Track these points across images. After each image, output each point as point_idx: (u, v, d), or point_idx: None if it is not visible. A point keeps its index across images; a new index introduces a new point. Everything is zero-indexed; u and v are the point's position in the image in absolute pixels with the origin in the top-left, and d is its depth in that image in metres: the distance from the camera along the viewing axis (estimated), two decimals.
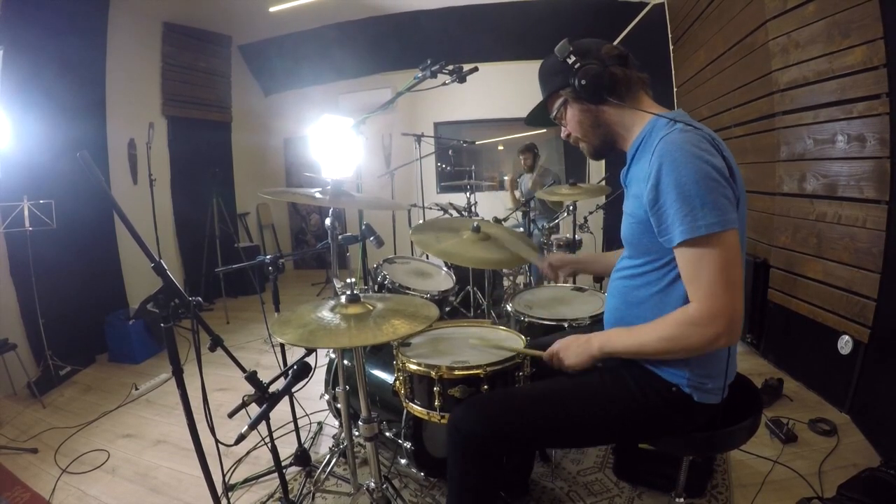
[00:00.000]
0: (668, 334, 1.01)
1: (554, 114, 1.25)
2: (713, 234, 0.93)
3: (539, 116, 1.31)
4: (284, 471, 1.78)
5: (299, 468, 2.04)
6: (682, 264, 1.00)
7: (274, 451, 1.71)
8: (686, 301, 1.02)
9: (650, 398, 1.14)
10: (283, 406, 1.44)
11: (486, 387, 1.30)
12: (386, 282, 2.24)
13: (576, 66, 1.11)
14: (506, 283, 4.03)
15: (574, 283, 2.15)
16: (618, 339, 1.13)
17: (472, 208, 3.82)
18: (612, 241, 4.59)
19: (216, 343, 1.32)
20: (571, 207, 3.34)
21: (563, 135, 1.27)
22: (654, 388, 1.13)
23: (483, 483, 1.20)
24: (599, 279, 2.60)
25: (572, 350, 1.18)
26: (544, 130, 5.40)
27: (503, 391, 1.30)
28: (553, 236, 3.74)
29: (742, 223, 1.04)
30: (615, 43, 1.19)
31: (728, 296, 0.94)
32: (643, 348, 1.07)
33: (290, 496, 1.84)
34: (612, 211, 4.01)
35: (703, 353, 1.03)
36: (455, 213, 3.71)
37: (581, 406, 1.17)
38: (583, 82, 1.10)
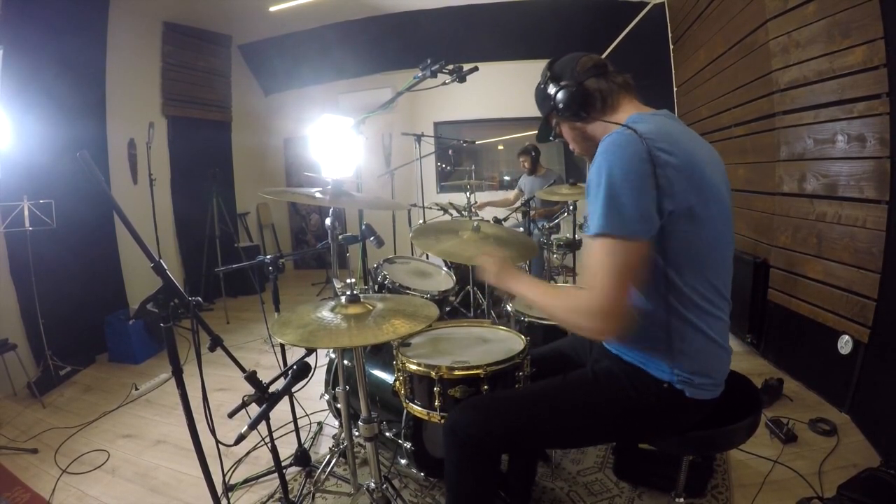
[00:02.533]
0: (562, 306, 1.09)
1: (554, 131, 1.34)
2: (607, 237, 0.98)
3: (545, 132, 1.38)
4: (284, 471, 1.78)
5: (299, 468, 2.04)
6: (588, 256, 1.07)
7: (274, 451, 1.71)
8: (651, 291, 1.07)
9: (643, 395, 1.15)
10: (283, 406, 1.44)
11: (486, 387, 1.30)
12: (386, 282, 2.24)
13: (553, 92, 1.20)
14: None
15: (574, 283, 2.15)
16: (530, 288, 1.19)
17: (472, 208, 3.82)
18: None
19: (216, 343, 1.32)
20: (572, 207, 3.34)
21: (571, 147, 1.36)
22: (647, 385, 1.14)
23: (480, 485, 1.21)
24: None
25: (495, 269, 1.27)
26: None
27: (499, 393, 1.32)
28: (553, 236, 3.74)
29: (721, 218, 1.07)
30: (615, 43, 1.21)
31: (608, 296, 0.99)
32: (542, 305, 1.16)
33: (290, 496, 1.83)
34: None
35: (586, 336, 1.16)
36: (455, 213, 3.71)
37: (575, 406, 1.18)
38: (560, 106, 1.19)
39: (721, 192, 1.09)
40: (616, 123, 1.13)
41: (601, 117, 1.18)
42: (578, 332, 1.12)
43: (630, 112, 1.16)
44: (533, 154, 4.49)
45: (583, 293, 1.04)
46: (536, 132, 1.43)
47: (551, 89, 1.20)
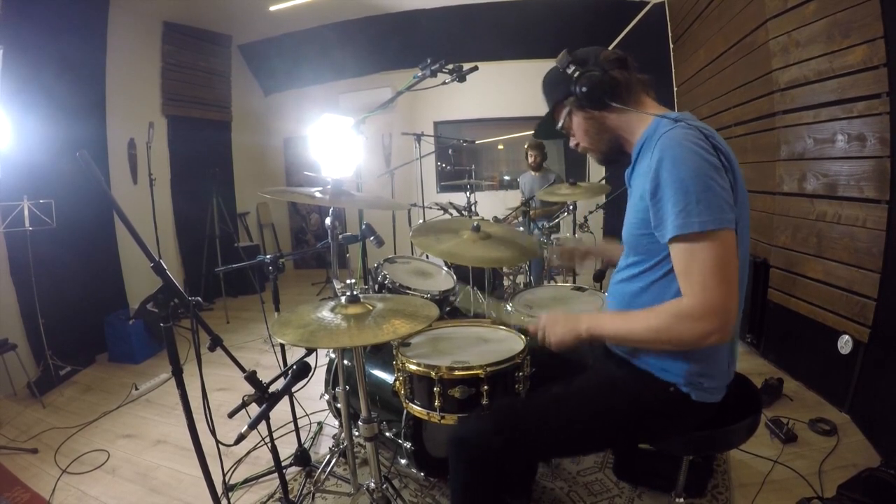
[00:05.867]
0: (657, 325, 1.00)
1: (560, 124, 1.26)
2: (707, 232, 0.93)
3: (547, 129, 1.32)
4: (284, 471, 1.78)
5: (299, 468, 2.04)
6: (675, 259, 1.00)
7: (274, 451, 1.71)
8: (671, 291, 1.03)
9: (648, 399, 1.14)
10: (283, 406, 1.44)
11: (486, 387, 1.30)
12: (386, 281, 2.23)
13: (576, 75, 1.12)
14: (506, 282, 4.03)
15: (574, 282, 2.15)
16: (608, 323, 1.12)
17: (472, 208, 3.82)
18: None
19: (216, 343, 1.32)
20: (572, 207, 3.34)
21: (571, 144, 1.29)
22: (652, 388, 1.13)
23: (485, 497, 1.20)
24: (599, 279, 2.60)
25: (560, 326, 1.16)
26: None
27: (503, 406, 1.30)
28: (553, 236, 3.74)
29: (743, 221, 1.04)
30: (615, 42, 1.20)
31: (721, 292, 0.93)
32: (631, 335, 1.07)
33: (290, 496, 1.83)
34: (612, 211, 4.01)
35: (691, 347, 1.02)
36: (455, 213, 3.71)
37: (579, 415, 1.17)
38: (584, 90, 1.11)
39: (746, 196, 1.08)
40: (649, 113, 1.11)
41: (626, 109, 1.13)
42: (682, 345, 1.02)
43: (652, 108, 1.14)
44: (544, 149, 4.44)
45: (679, 299, 0.97)
46: (534, 130, 1.37)
47: (574, 73, 1.12)
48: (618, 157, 1.24)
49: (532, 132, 1.44)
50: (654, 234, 1.03)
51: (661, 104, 1.18)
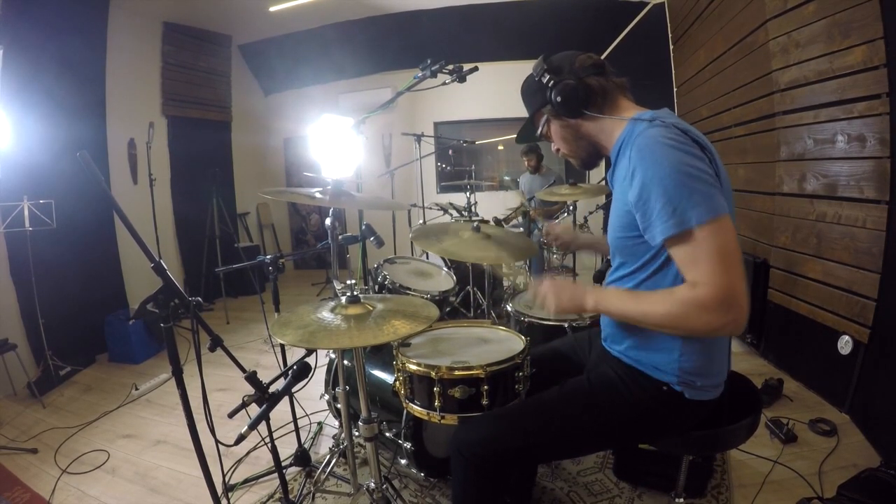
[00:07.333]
0: (675, 312, 0.95)
1: (540, 131, 1.27)
2: (706, 223, 0.91)
3: (528, 133, 1.33)
4: (284, 471, 1.78)
5: (299, 468, 2.04)
6: (678, 257, 0.97)
7: (274, 451, 1.71)
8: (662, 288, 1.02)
9: (642, 399, 1.14)
10: (283, 406, 1.44)
11: (486, 387, 1.30)
12: (386, 282, 2.24)
13: (550, 84, 1.13)
14: (506, 283, 4.03)
15: (574, 283, 2.15)
16: (617, 301, 1.08)
17: (472, 208, 3.82)
18: None
19: (216, 343, 1.32)
20: (572, 207, 3.34)
21: (552, 149, 1.30)
22: (645, 388, 1.14)
23: (487, 502, 1.22)
24: (599, 279, 2.60)
25: (565, 294, 1.13)
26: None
27: (502, 411, 1.30)
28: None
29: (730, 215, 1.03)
30: (615, 43, 1.19)
31: (733, 280, 0.90)
32: (642, 317, 1.02)
33: (290, 496, 1.83)
34: None
35: (703, 336, 1.05)
36: (455, 213, 3.71)
37: (576, 416, 1.18)
38: (558, 100, 1.12)
39: (731, 192, 1.07)
40: (623, 118, 1.11)
41: (602, 115, 1.13)
42: (694, 334, 1.01)
43: (631, 112, 1.13)
44: (539, 152, 4.47)
45: (694, 287, 0.92)
46: (516, 135, 1.38)
47: (549, 82, 1.13)
48: (597, 162, 1.26)
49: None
50: (638, 236, 1.03)
51: (645, 104, 1.17)
